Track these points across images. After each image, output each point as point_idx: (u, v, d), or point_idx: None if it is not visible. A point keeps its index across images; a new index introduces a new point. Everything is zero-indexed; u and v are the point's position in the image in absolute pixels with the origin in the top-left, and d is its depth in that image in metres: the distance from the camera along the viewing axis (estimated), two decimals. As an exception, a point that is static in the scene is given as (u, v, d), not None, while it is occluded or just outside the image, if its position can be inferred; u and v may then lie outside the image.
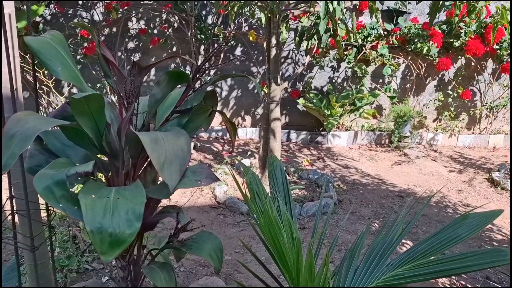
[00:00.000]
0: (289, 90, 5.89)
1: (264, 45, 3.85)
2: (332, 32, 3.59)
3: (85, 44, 5.18)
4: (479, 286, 2.85)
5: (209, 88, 1.61)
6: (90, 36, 5.12)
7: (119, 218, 0.97)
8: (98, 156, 1.45)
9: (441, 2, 3.62)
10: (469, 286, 2.84)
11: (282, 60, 5.85)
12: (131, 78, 1.33)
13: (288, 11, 3.70)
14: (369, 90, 5.91)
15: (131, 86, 1.32)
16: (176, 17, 5.46)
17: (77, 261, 2.53)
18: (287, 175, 4.34)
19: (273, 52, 3.71)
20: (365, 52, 5.65)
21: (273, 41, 3.67)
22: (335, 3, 3.03)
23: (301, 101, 5.62)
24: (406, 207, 3.88)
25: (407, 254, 1.46)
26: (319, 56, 5.59)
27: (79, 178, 1.24)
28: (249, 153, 4.84)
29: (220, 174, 4.21)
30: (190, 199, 3.79)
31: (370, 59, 5.70)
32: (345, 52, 5.75)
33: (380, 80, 6.04)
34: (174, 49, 5.70)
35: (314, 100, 5.62)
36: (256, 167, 4.46)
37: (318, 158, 5.16)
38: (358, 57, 5.69)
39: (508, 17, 5.19)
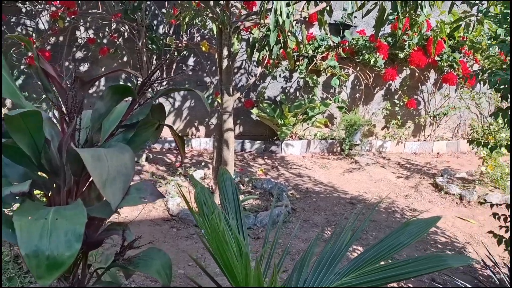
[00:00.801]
0: (242, 100, 5.92)
1: (216, 55, 3.86)
2: (282, 44, 3.65)
3: (30, 54, 4.97)
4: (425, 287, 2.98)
5: (157, 101, 1.59)
6: (35, 45, 4.92)
7: (58, 240, 0.94)
8: (39, 173, 1.39)
9: (385, 16, 3.78)
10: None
11: (236, 71, 5.88)
12: (72, 93, 1.29)
13: (239, 23, 3.73)
14: (321, 99, 6.05)
15: (73, 101, 1.28)
16: (127, 27, 5.36)
17: (19, 282, 2.40)
18: (241, 186, 4.35)
19: (225, 63, 3.72)
20: (316, 63, 5.79)
21: (225, 52, 3.69)
22: (284, 15, 3.09)
23: (254, 111, 5.67)
24: (354, 214, 3.99)
25: (354, 262, 1.51)
26: (271, 67, 5.67)
27: (17, 198, 1.18)
28: (203, 163, 4.81)
29: (173, 185, 4.15)
30: (142, 212, 3.71)
31: (321, 69, 5.85)
32: (297, 63, 5.86)
33: (331, 90, 6.20)
34: (125, 59, 5.59)
35: (268, 110, 5.69)
36: (210, 177, 4.43)
37: (272, 167, 5.21)
38: (309, 68, 5.82)
39: (448, 30, 5.51)
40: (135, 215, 3.67)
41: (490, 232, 2.88)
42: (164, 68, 5.56)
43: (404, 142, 6.39)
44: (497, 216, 2.82)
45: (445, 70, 6.16)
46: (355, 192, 4.58)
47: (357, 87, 6.29)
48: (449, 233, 3.83)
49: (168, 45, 5.43)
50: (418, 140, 6.64)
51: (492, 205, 2.92)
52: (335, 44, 5.83)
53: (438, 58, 6.06)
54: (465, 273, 3.21)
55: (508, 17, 2.51)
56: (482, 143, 2.85)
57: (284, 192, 4.25)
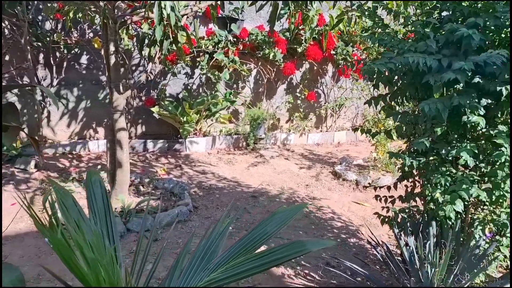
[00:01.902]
0: (143, 98, 5.71)
1: (103, 52, 3.65)
2: (172, 39, 3.55)
3: None
4: (321, 272, 3.08)
5: (5, 101, 1.43)
6: None
7: None
8: None
9: (278, 11, 3.84)
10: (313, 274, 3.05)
11: (134, 68, 5.65)
12: None
13: (126, 17, 3.56)
14: (224, 95, 6.04)
15: None
16: (6, 22, 4.88)
17: None
18: (141, 187, 4.18)
19: (113, 59, 3.53)
20: (217, 59, 5.75)
21: (111, 47, 3.50)
22: (168, 9, 3.00)
23: (155, 109, 5.49)
24: (256, 207, 4.03)
25: (222, 256, 1.48)
26: (171, 63, 5.53)
27: None
28: (99, 167, 4.55)
29: (65, 192, 3.87)
30: (27, 224, 3.40)
31: (222, 65, 5.83)
32: (198, 59, 5.79)
33: (235, 86, 6.22)
34: (7, 57, 5.10)
35: (170, 108, 5.54)
36: (106, 181, 4.20)
37: (176, 166, 5.09)
38: (210, 63, 5.77)
39: (341, 26, 5.74)
40: (20, 228, 3.36)
41: (375, 213, 3.05)
42: (54, 67, 5.17)
43: (307, 134, 6.62)
44: (379, 198, 3.00)
45: (340, 64, 6.47)
46: (258, 185, 4.63)
47: (260, 81, 6.38)
48: (345, 218, 4.03)
49: (57, 42, 5.06)
50: (321, 131, 6.91)
51: (375, 188, 3.10)
52: (236, 39, 5.85)
53: (334, 52, 6.35)
54: (357, 254, 3.38)
55: (376, 11, 2.67)
56: (365, 130, 3.02)
57: (186, 191, 4.17)
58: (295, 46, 6.17)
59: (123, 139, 3.63)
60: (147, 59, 5.57)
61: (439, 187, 2.36)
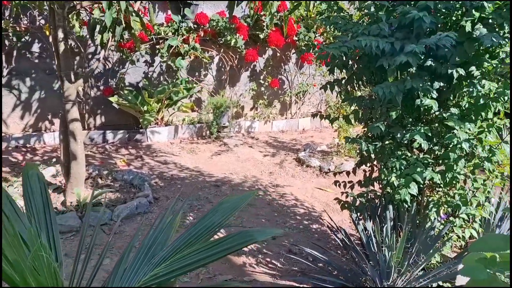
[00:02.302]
0: (101, 88, 5.52)
1: (51, 39, 3.47)
2: (125, 25, 3.41)
3: None
4: (282, 259, 3.07)
5: None
6: None
7: None
8: None
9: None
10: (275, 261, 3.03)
11: (90, 56, 5.43)
12: None
13: (75, 2, 3.39)
14: (181, 82, 5.89)
15: None
16: None
17: None
18: (99, 179, 4.03)
19: (62, 46, 3.36)
20: (177, 46, 5.61)
21: (60, 34, 3.33)
22: (118, -7, 2.86)
23: (114, 99, 5.31)
24: (218, 197, 3.98)
25: (168, 250, 1.41)
26: (129, 51, 5.35)
27: None
28: (54, 160, 4.37)
29: (16, 187, 3.69)
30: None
31: (183, 52, 5.69)
32: (157, 46, 5.63)
33: (197, 73, 6.09)
34: (-49, 46, 4.79)
35: (129, 97, 5.37)
36: (60, 174, 4.04)
37: (137, 157, 4.95)
38: (171, 51, 5.62)
39: (302, 11, 5.70)
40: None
41: (336, 199, 3.06)
42: (3, 56, 4.90)
43: (271, 121, 6.59)
44: (338, 184, 3.00)
45: (303, 50, 6.42)
46: (221, 174, 4.57)
47: (222, 69, 6.27)
48: (308, 204, 4.03)
49: (5, 29, 4.79)
50: (285, 118, 6.90)
51: (335, 174, 3.10)
52: (197, 25, 5.71)
53: (296, 38, 6.30)
54: (319, 240, 3.39)
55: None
56: (325, 116, 3.00)
57: (147, 182, 4.06)
58: (257, 32, 6.09)
59: (76, 130, 3.48)
60: (113, 47, 5.36)
61: (394, 171, 2.37)
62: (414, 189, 2.29)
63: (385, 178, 2.39)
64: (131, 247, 1.56)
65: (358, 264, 2.63)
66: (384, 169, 2.49)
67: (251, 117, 6.59)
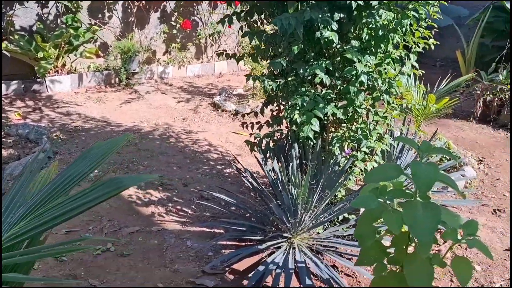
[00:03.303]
0: (-14, 32, 4.84)
1: None
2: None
3: None
4: (194, 206, 2.98)
5: None
6: None
7: None
8: None
9: None
10: (186, 209, 2.93)
11: (-33, -5, 4.69)
12: None
13: None
14: (88, 26, 5.37)
15: None
16: None
17: None
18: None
19: None
20: (72, -17, 5.01)
21: None
22: None
23: (3, 45, 4.69)
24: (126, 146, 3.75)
25: (27, 206, 1.23)
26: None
27: None
28: None
29: None
30: None
31: (81, -9, 5.11)
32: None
33: (100, 15, 5.55)
34: None
35: (22, 43, 4.78)
36: None
37: (35, 109, 4.50)
38: (65, -11, 5.02)
39: None
40: None
41: (246, 141, 2.97)
42: None
43: (186, 66, 6.29)
44: (245, 125, 2.91)
45: (215, -11, 6.09)
46: (130, 123, 4.31)
47: (129, 10, 5.77)
48: (222, 149, 3.94)
49: None
50: (202, 62, 6.62)
51: (243, 115, 3.01)
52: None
53: (207, -24, 5.92)
54: (232, 184, 3.34)
55: None
56: (230, 55, 2.83)
57: (45, 135, 3.70)
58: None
59: None
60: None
61: (297, 108, 2.31)
62: (316, 125, 2.26)
63: (288, 116, 2.33)
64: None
65: (267, 204, 2.61)
66: (288, 106, 2.42)
67: (164, 62, 6.23)
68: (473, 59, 5.80)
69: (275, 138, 2.77)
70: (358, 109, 2.29)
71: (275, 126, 2.73)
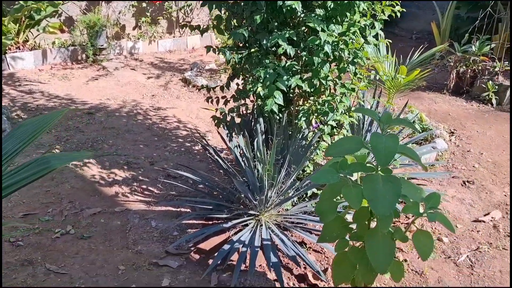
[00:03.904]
0: None
1: None
2: None
3: None
4: (160, 185, 2.89)
5: None
6: None
7: None
8: None
9: None
10: (152, 188, 2.84)
11: None
12: None
13: None
14: (50, -1, 5.10)
15: None
16: None
17: None
18: None
19: None
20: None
21: None
22: None
23: (-43, 19, 4.42)
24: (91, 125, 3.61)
25: None
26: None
27: None
28: None
29: None
30: None
31: (41, -39, 4.83)
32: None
33: (63, -13, 5.28)
34: None
35: (-22, 17, 4.52)
36: None
37: (-6, 87, 4.29)
38: (24, -40, 4.72)
39: None
40: None
41: (212, 117, 2.87)
42: None
43: (157, 41, 6.07)
44: (210, 100, 2.81)
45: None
46: (96, 101, 4.14)
47: (94, -18, 5.51)
48: (191, 125, 3.83)
49: None
50: (173, 37, 6.40)
51: (208, 90, 2.89)
52: None
53: None
54: (201, 161, 3.25)
55: None
56: (195, 26, 2.69)
57: (4, 115, 3.52)
58: None
59: None
60: None
61: (260, 80, 2.21)
62: (279, 98, 2.17)
63: (251, 89, 2.23)
64: None
65: (232, 181, 2.53)
66: (252, 79, 2.32)
67: (134, 37, 6.01)
68: (448, 31, 5.74)
69: (241, 113, 2.67)
70: (324, 81, 2.20)
71: (240, 100, 2.63)
